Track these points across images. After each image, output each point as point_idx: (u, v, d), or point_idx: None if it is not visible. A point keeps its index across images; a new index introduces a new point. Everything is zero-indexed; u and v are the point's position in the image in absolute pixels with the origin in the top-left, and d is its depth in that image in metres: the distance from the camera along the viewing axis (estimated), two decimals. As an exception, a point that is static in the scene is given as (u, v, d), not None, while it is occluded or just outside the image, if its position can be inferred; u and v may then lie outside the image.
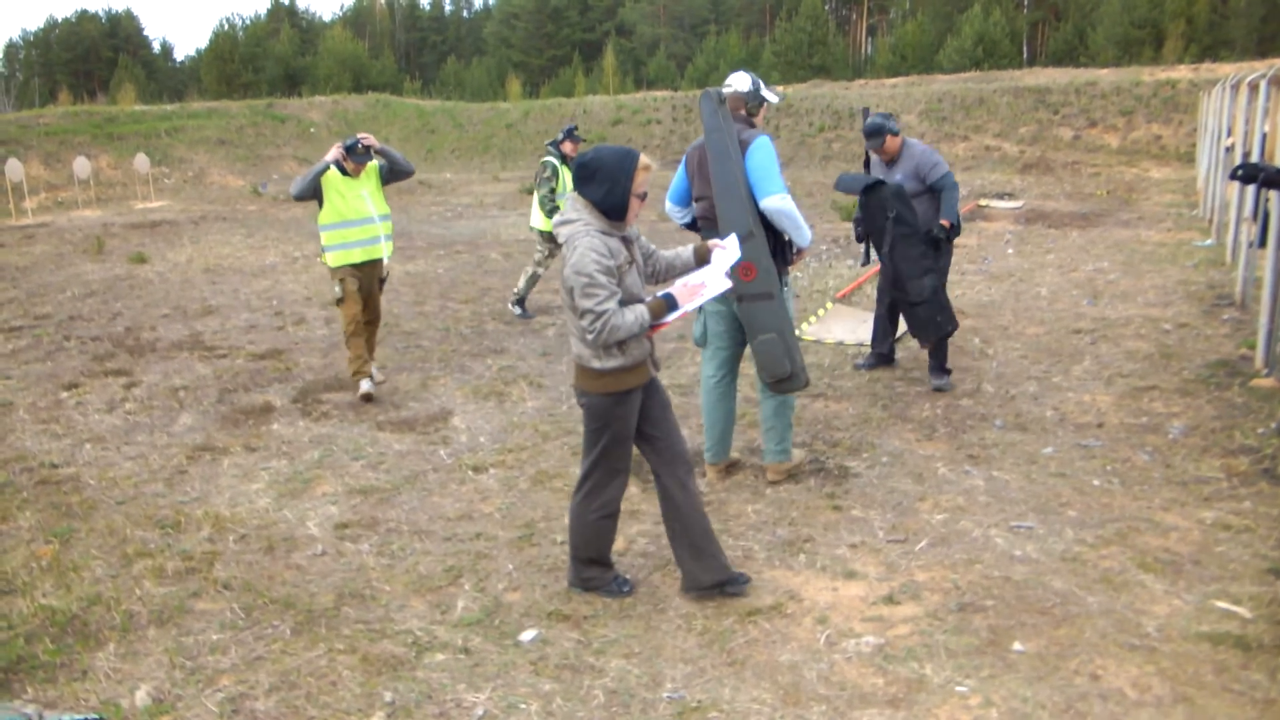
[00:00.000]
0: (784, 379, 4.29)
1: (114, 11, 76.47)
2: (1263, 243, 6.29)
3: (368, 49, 64.14)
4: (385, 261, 6.10)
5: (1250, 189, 7.40)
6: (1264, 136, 7.66)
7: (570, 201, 3.27)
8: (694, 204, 4.52)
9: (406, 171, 6.10)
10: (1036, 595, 3.46)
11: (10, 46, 76.07)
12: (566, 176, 8.19)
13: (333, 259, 5.91)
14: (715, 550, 3.45)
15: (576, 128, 8.55)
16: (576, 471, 4.69)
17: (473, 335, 7.70)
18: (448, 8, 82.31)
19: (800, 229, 4.27)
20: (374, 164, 5.98)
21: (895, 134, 5.83)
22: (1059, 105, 23.17)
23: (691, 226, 4.62)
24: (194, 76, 68.47)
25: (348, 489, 4.62)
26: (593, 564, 3.53)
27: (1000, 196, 16.36)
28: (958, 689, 2.93)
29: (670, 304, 3.24)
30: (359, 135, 5.85)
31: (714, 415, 4.59)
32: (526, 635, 3.29)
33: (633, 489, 4.52)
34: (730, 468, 4.71)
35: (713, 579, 3.43)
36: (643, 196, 3.24)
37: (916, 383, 6.05)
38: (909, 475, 4.61)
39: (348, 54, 58.46)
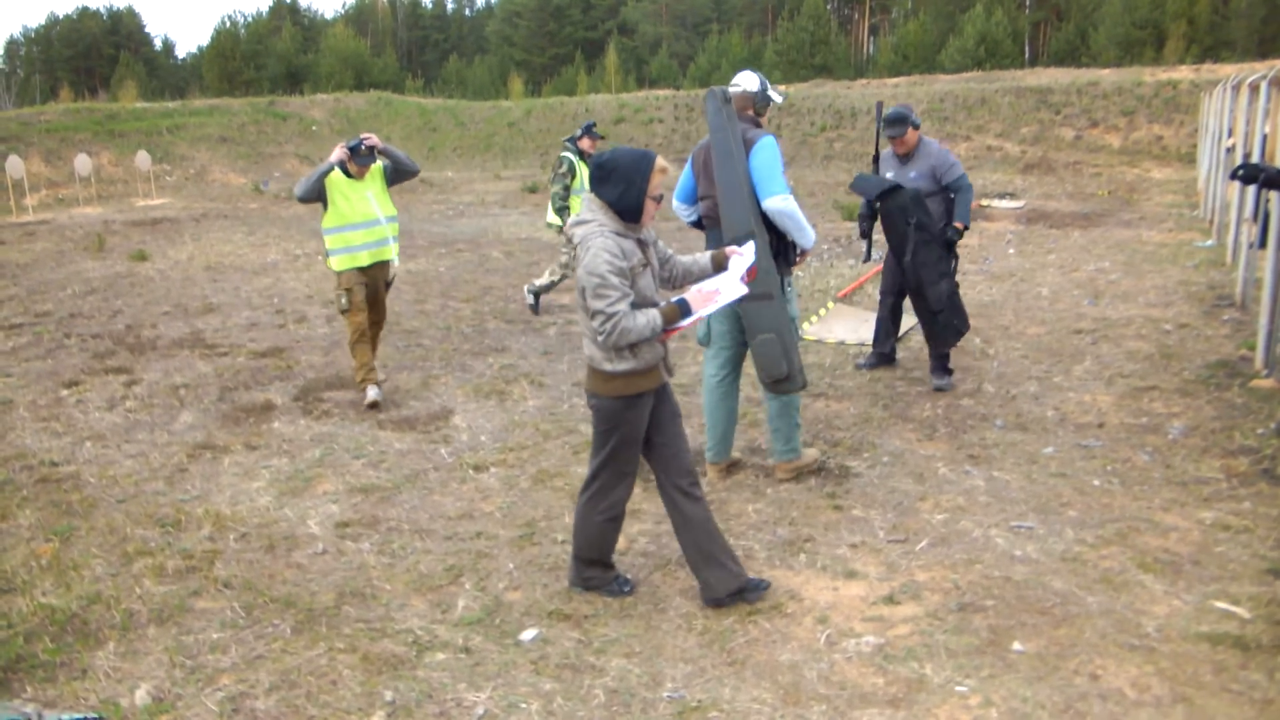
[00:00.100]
0: (781, 380, 4.29)
1: (115, 8, 76.58)
2: (1263, 244, 6.29)
3: (370, 47, 64.15)
4: (394, 264, 5.97)
5: (1251, 190, 7.39)
6: (1265, 137, 7.66)
7: (586, 201, 3.25)
8: (699, 203, 4.52)
9: (411, 171, 5.93)
10: (1036, 595, 3.46)
11: (11, 43, 76.20)
12: (584, 172, 8.14)
13: (338, 263, 5.74)
14: (726, 560, 3.41)
15: (595, 124, 8.50)
16: (578, 470, 4.72)
17: (474, 334, 7.71)
18: (450, 6, 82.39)
19: (803, 230, 4.27)
20: (378, 165, 5.82)
21: (916, 127, 5.81)
22: (1061, 105, 23.17)
23: (697, 225, 4.62)
24: (195, 74, 68.51)
25: (349, 487, 4.62)
26: (594, 564, 3.53)
27: (1002, 196, 16.35)
28: (958, 689, 2.93)
29: (684, 310, 3.22)
30: (362, 136, 5.68)
31: (716, 414, 4.59)
32: (527, 634, 3.29)
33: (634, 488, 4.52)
34: (731, 467, 4.71)
35: (727, 589, 3.41)
36: (658, 199, 3.22)
37: (917, 383, 6.05)
38: (910, 475, 4.61)
39: (350, 52, 58.46)
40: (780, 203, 4.18)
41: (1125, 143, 21.47)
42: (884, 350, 6.40)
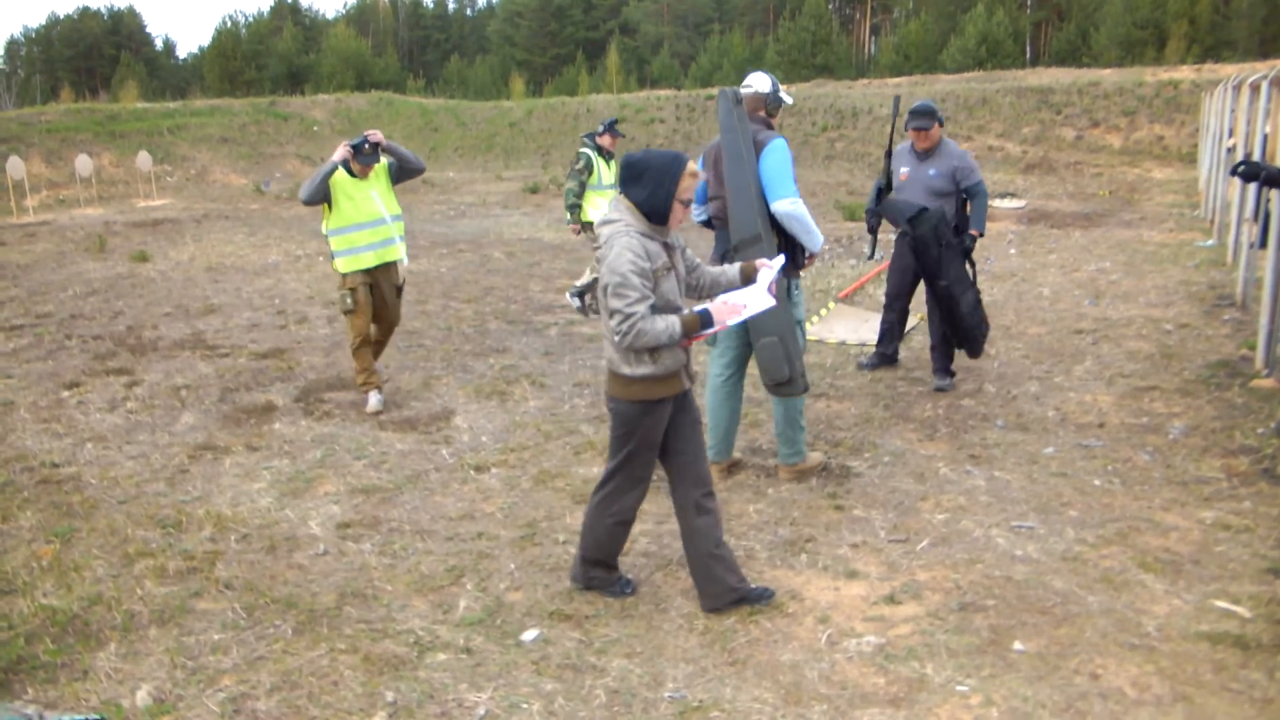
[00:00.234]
0: (783, 383, 4.29)
1: (116, 8, 76.68)
2: (1263, 244, 6.28)
3: (371, 47, 64.23)
4: (403, 264, 5.80)
5: (1251, 190, 7.39)
6: (1265, 137, 7.66)
7: (614, 201, 3.23)
8: (709, 203, 4.53)
9: (417, 169, 5.76)
10: (1037, 595, 3.46)
11: (12, 43, 76.31)
12: (602, 168, 8.08)
13: (343, 265, 5.61)
14: (727, 574, 3.39)
15: (617, 121, 8.43)
16: (579, 471, 4.73)
17: (475, 335, 7.71)
18: (451, 6, 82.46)
19: (811, 234, 4.27)
20: (383, 164, 5.69)
21: (941, 123, 5.75)
22: (1062, 105, 23.16)
23: (707, 224, 4.62)
24: (197, 74, 68.56)
25: (350, 488, 4.62)
26: (599, 565, 3.52)
27: (1003, 196, 16.35)
28: (958, 688, 2.93)
29: (705, 321, 3.16)
30: (366, 133, 5.51)
31: (719, 413, 4.59)
32: (528, 635, 3.30)
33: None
34: (732, 467, 4.72)
35: (727, 601, 3.39)
36: (687, 202, 3.19)
37: (918, 383, 6.05)
38: (910, 475, 4.61)
39: (351, 52, 58.53)
40: (789, 206, 4.18)
41: (1126, 143, 21.46)
42: (887, 351, 6.39)
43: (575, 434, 5.28)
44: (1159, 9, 45.71)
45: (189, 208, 18.44)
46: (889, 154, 5.95)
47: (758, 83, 4.48)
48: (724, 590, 3.38)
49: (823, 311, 8.00)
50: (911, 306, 6.36)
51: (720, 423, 4.60)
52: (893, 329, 6.33)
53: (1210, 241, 10.83)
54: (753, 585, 3.47)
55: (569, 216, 8.13)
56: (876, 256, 6.22)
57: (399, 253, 5.77)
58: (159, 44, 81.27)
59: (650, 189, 3.12)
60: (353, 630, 3.34)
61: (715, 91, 29.67)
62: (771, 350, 4.23)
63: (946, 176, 5.72)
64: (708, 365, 4.69)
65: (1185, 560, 3.69)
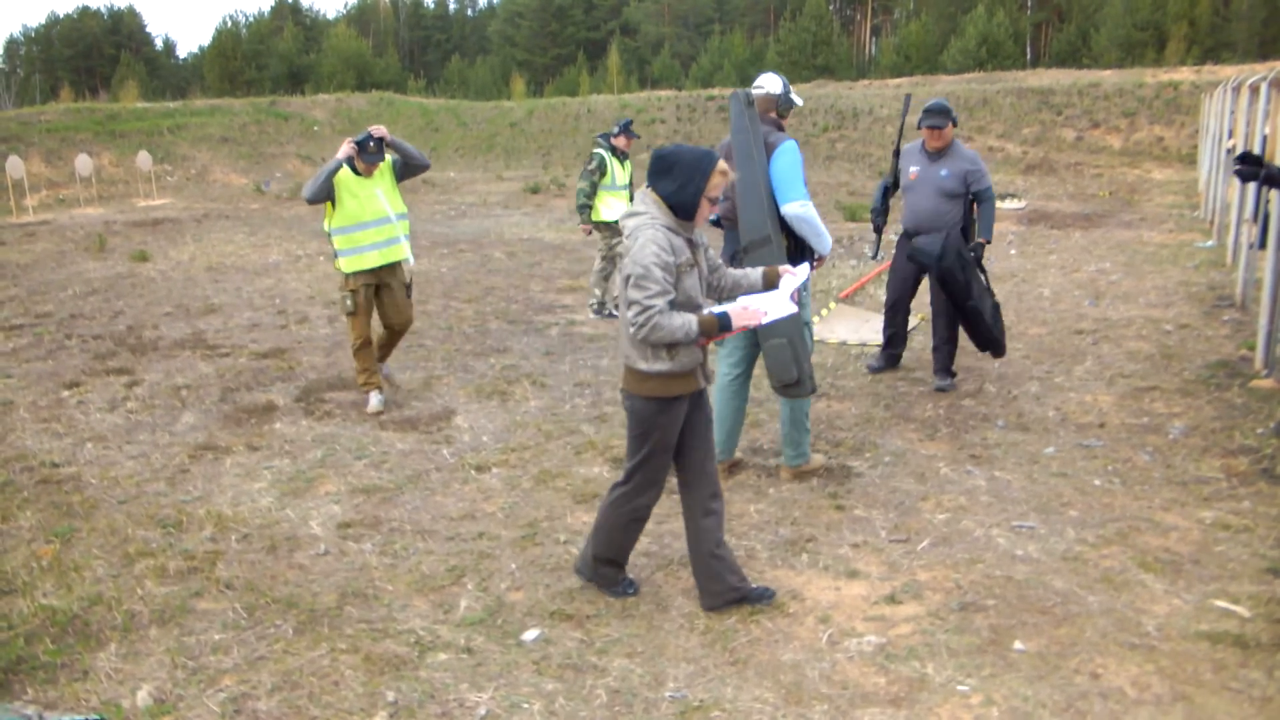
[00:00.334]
0: (791, 385, 4.30)
1: (116, 8, 76.62)
2: (1263, 244, 6.29)
3: (371, 47, 64.23)
4: (409, 263, 5.71)
5: (1250, 191, 7.39)
6: (1264, 138, 7.66)
7: (640, 195, 3.21)
8: (720, 202, 4.53)
9: (422, 166, 5.63)
10: (1037, 595, 3.46)
11: (11, 43, 76.21)
12: (616, 169, 8.06)
13: (346, 264, 5.52)
14: (728, 574, 3.39)
15: (632, 122, 8.41)
16: (580, 471, 4.73)
17: (476, 334, 7.71)
18: (452, 6, 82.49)
19: (820, 236, 4.28)
20: (387, 162, 5.58)
21: (955, 123, 5.70)
22: (1062, 106, 23.17)
23: (716, 224, 4.63)
24: (197, 74, 68.57)
25: (350, 488, 4.62)
26: (609, 563, 3.51)
27: (1003, 197, 16.34)
28: (959, 688, 2.93)
29: (723, 324, 3.14)
30: (370, 129, 5.41)
31: (724, 411, 4.60)
32: (529, 635, 3.30)
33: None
34: (733, 467, 4.72)
35: (726, 600, 3.40)
36: (714, 200, 3.17)
37: (919, 383, 6.05)
38: (911, 475, 4.62)
39: (351, 52, 58.53)
40: (799, 208, 4.19)
41: (1126, 144, 21.47)
42: (895, 352, 6.32)
43: (576, 434, 5.29)
44: (1159, 10, 45.74)
45: (189, 207, 18.45)
46: (897, 153, 5.90)
47: (769, 84, 4.48)
48: (724, 590, 3.39)
49: (824, 312, 8.00)
50: (912, 306, 6.35)
51: (724, 421, 4.60)
52: (896, 336, 6.25)
53: (1210, 242, 10.84)
54: (754, 585, 3.47)
55: (580, 217, 8.11)
56: (879, 257, 6.18)
57: (404, 252, 5.66)
58: (159, 44, 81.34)
59: (680, 183, 3.10)
60: (353, 630, 3.34)
61: (716, 92, 29.78)
62: (780, 352, 4.23)
63: (958, 178, 5.66)
64: (715, 364, 4.69)
65: (1185, 560, 3.69)
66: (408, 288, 5.82)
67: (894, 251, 6.27)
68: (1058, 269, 9.74)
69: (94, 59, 71.46)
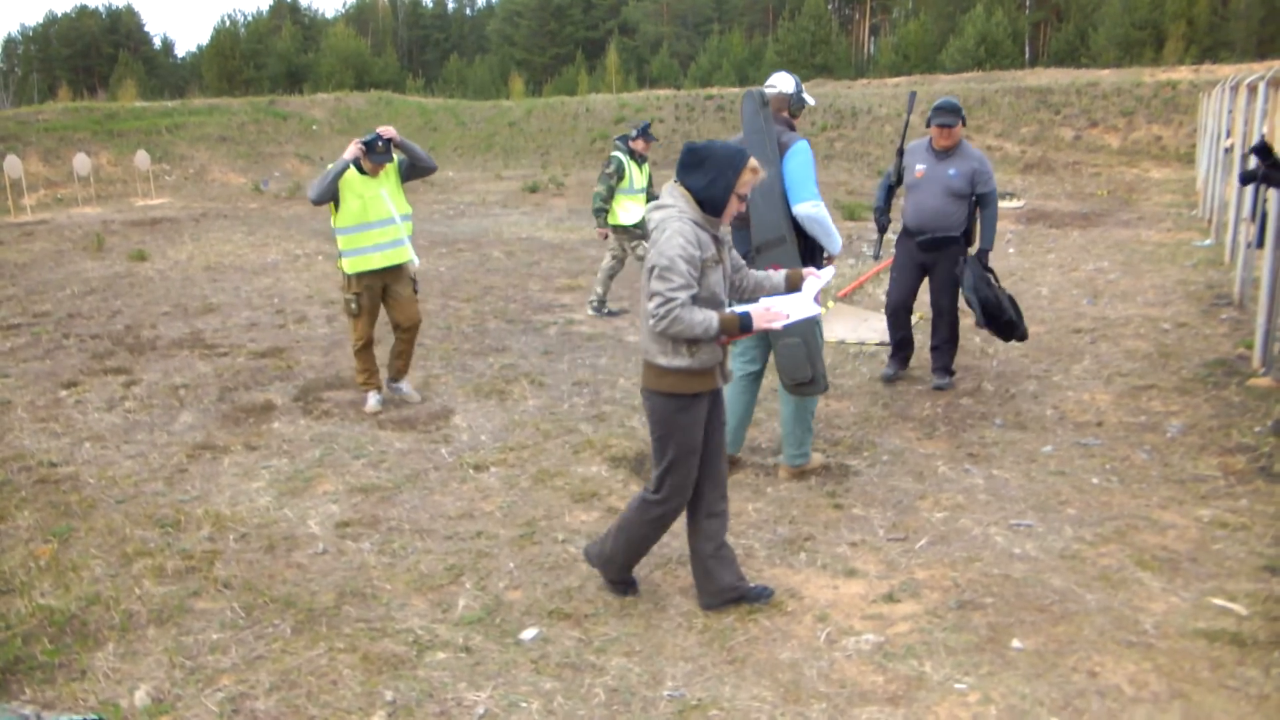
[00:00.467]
0: (804, 383, 4.31)
1: (114, 7, 76.46)
2: (1260, 243, 6.29)
3: (370, 46, 64.17)
4: (413, 265, 5.64)
5: (1248, 189, 7.39)
6: (1262, 137, 7.66)
7: (668, 188, 3.19)
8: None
9: (428, 168, 5.58)
10: (1035, 593, 3.47)
11: (9, 42, 76.02)
12: (634, 172, 8.04)
13: (349, 265, 5.44)
14: (726, 573, 3.38)
15: (650, 125, 8.38)
16: (578, 470, 4.73)
17: (474, 334, 7.71)
18: (450, 5, 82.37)
19: (831, 236, 4.29)
20: (393, 162, 5.49)
21: (964, 122, 5.65)
22: (1060, 105, 23.18)
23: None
24: (195, 73, 68.51)
25: (349, 487, 4.62)
26: (622, 567, 3.49)
27: (1002, 196, 16.35)
28: (957, 686, 2.94)
29: (744, 324, 3.11)
30: (379, 129, 5.31)
31: (733, 407, 4.60)
32: (527, 634, 3.30)
33: (634, 488, 4.53)
34: (732, 465, 4.72)
35: (724, 599, 3.40)
36: (743, 197, 3.15)
37: (917, 381, 6.06)
38: (909, 473, 4.62)
39: (350, 51, 58.47)
40: (811, 209, 4.20)
41: (1124, 143, 21.48)
42: (906, 354, 6.14)
43: (574, 433, 5.29)
44: (1157, 10, 45.74)
45: (187, 207, 18.43)
46: (901, 151, 5.83)
47: (781, 83, 4.48)
48: (723, 589, 3.39)
49: (822, 311, 8.00)
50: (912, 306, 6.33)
51: (732, 415, 4.61)
52: (906, 340, 6.08)
53: (1208, 241, 10.85)
54: (752, 584, 3.47)
55: (597, 221, 8.07)
56: (879, 255, 6.15)
57: (408, 254, 5.58)
58: (157, 43, 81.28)
59: (710, 178, 3.08)
60: (352, 629, 3.34)
61: (714, 91, 29.76)
62: (794, 351, 4.25)
63: (966, 178, 5.60)
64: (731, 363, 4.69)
65: (1183, 558, 3.70)
66: (414, 282, 5.73)
67: (893, 251, 6.26)
68: (1056, 268, 9.75)
69: (92, 58, 71.36)
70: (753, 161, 3.12)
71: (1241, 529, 3.92)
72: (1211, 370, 6.02)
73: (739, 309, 3.16)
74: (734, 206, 3.15)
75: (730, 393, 4.59)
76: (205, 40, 72.19)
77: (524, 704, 2.91)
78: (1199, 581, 3.52)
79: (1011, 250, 10.93)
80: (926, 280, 5.96)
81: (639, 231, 8.00)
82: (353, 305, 5.53)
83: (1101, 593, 3.45)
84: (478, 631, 3.32)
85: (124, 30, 75.07)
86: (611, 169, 7.92)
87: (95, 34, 73.01)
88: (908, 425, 5.30)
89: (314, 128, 29.14)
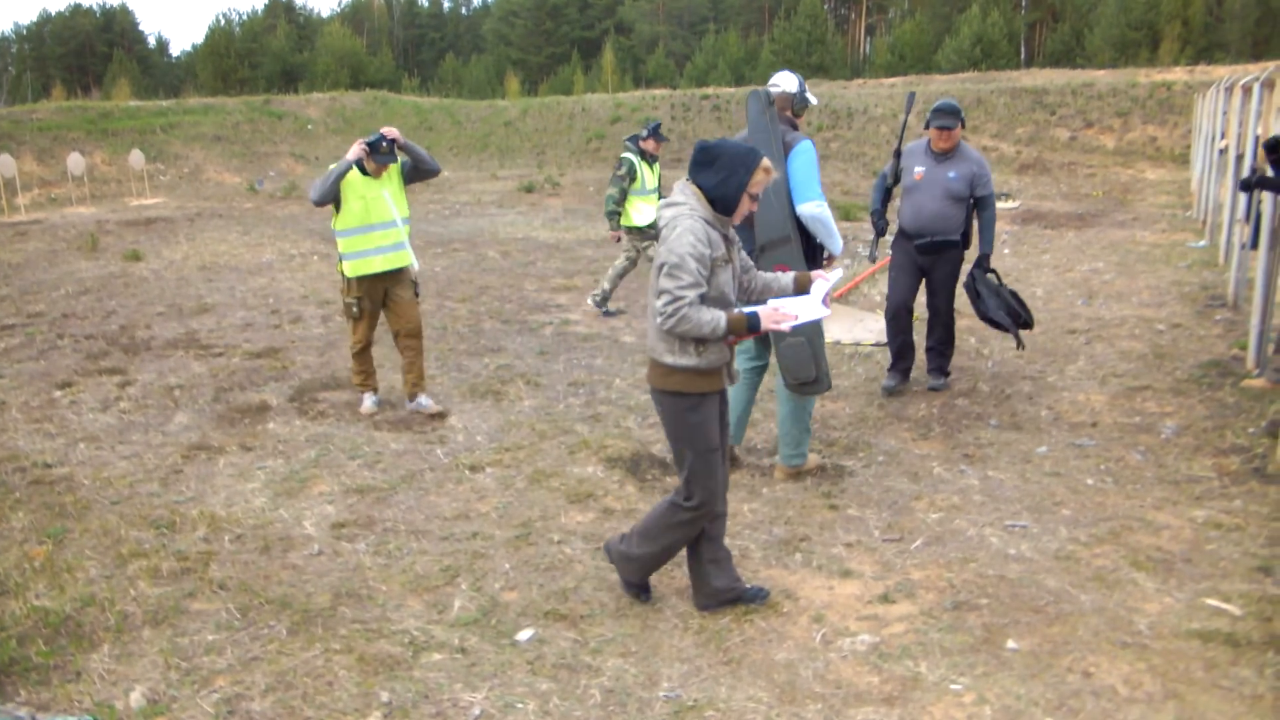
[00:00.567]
0: (808, 382, 4.32)
1: (108, 6, 76.15)
2: (1255, 244, 6.32)
3: (366, 46, 64.04)
4: (414, 268, 5.56)
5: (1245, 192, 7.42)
6: (1257, 139, 7.69)
7: (679, 185, 3.18)
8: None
9: (431, 170, 5.51)
10: (1030, 593, 3.47)
11: (3, 41, 75.76)
12: (645, 173, 8.01)
13: (350, 268, 5.35)
14: (721, 575, 3.38)
15: (661, 124, 8.37)
16: (574, 470, 4.73)
17: (470, 334, 7.70)
18: (446, 5, 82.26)
19: (833, 236, 4.31)
20: (396, 164, 5.41)
21: (964, 124, 5.63)
22: (1056, 106, 23.21)
23: None
24: (190, 72, 68.29)
25: (344, 488, 4.62)
26: (647, 572, 3.47)
27: (997, 197, 16.36)
28: (952, 687, 2.94)
29: (752, 324, 3.10)
30: (383, 130, 5.23)
31: (735, 399, 4.61)
32: (523, 635, 3.30)
33: (630, 488, 4.54)
34: (731, 462, 4.72)
35: (720, 600, 3.39)
36: (755, 197, 3.15)
37: (913, 382, 6.06)
38: (905, 474, 4.63)
39: (346, 50, 58.35)
40: (815, 209, 4.22)
41: (1120, 143, 21.52)
42: (907, 365, 5.99)
43: (570, 433, 5.29)
44: (1152, 11, 45.85)
45: (182, 206, 18.38)
46: (898, 152, 5.78)
47: (785, 82, 4.49)
48: (718, 590, 3.39)
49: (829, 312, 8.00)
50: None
51: (733, 410, 4.61)
52: (906, 346, 5.95)
53: (1202, 242, 10.88)
54: (747, 585, 3.47)
55: (610, 223, 8.03)
56: (875, 257, 6.14)
57: (408, 258, 5.49)
58: (152, 42, 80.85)
59: (722, 177, 3.07)
60: (347, 630, 3.34)
61: (710, 91, 29.74)
62: (798, 350, 4.26)
63: (965, 180, 5.57)
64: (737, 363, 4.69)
65: (1177, 559, 3.71)
66: (415, 285, 5.64)
67: (889, 252, 6.26)
68: (1051, 268, 9.77)
69: (86, 57, 71.14)
70: (765, 161, 3.11)
71: (1236, 530, 3.94)
72: (1206, 371, 6.04)
73: (747, 309, 3.16)
74: (746, 206, 3.14)
75: (731, 391, 4.59)
76: (200, 39, 72.17)
77: (520, 705, 2.91)
78: (1193, 582, 3.53)
79: (1007, 251, 10.95)
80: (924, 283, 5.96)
81: (652, 232, 8.00)
82: (354, 309, 5.46)
83: (1096, 593, 3.46)
84: (473, 632, 3.32)
85: (118, 29, 74.83)
86: (623, 171, 7.88)
87: (90, 33, 72.77)
88: (903, 426, 5.31)
89: (309, 127, 29.08)
